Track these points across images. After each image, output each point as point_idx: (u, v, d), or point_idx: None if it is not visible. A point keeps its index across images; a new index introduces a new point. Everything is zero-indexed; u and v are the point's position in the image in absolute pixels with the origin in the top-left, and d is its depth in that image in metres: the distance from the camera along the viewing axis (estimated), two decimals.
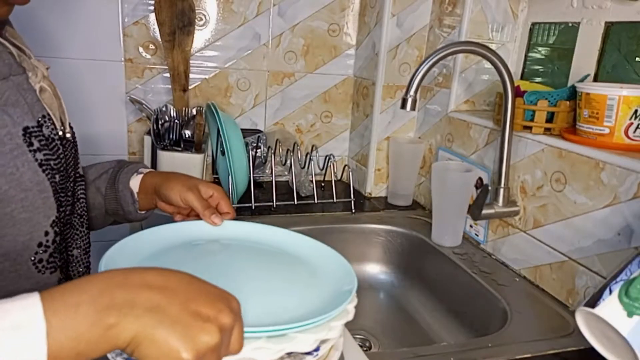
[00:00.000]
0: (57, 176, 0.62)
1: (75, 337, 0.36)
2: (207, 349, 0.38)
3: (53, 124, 0.63)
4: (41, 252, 0.60)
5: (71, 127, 0.69)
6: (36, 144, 0.59)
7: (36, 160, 0.59)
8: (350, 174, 1.24)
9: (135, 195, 0.76)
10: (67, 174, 0.66)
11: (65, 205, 0.65)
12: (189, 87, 1.24)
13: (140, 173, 0.78)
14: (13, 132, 0.56)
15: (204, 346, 0.38)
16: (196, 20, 1.22)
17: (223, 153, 1.09)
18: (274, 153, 1.23)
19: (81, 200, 0.71)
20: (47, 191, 0.60)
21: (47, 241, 0.61)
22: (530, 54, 1.12)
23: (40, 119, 0.61)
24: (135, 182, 0.77)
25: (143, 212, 0.79)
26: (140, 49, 1.23)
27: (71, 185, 0.68)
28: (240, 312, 0.44)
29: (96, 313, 0.36)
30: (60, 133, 0.65)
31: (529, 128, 0.91)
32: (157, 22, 1.17)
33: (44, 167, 0.60)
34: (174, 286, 0.41)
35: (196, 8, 1.21)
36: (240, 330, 0.43)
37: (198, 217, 0.72)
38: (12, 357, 0.33)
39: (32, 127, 0.59)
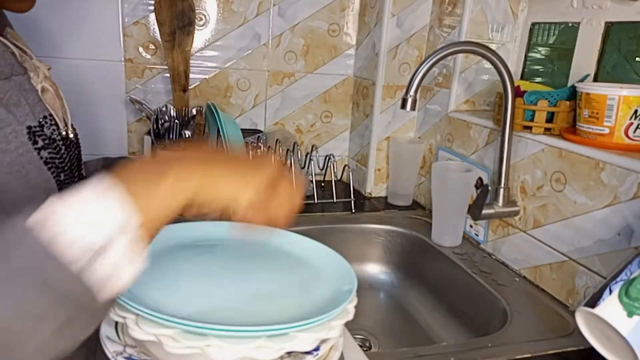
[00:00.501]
0: (62, 175, 0.62)
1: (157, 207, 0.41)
2: (263, 180, 0.44)
3: (55, 124, 0.63)
4: None
5: (74, 128, 0.69)
6: (40, 143, 0.59)
7: (41, 158, 0.58)
8: (350, 174, 1.24)
9: None
10: (72, 174, 0.66)
11: None
12: (189, 87, 1.24)
13: None
14: (18, 130, 0.56)
15: (261, 179, 0.44)
16: (196, 20, 1.22)
17: None
18: (274, 153, 1.23)
19: None
20: (53, 190, 0.59)
21: None
22: (530, 54, 1.12)
23: (41, 120, 0.60)
24: None
25: None
26: (140, 49, 1.23)
27: (75, 185, 0.67)
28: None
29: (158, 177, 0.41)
30: (63, 133, 0.65)
31: (529, 128, 0.91)
32: (157, 22, 1.17)
33: (50, 166, 0.59)
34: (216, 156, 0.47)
35: (196, 8, 1.21)
36: (290, 184, 0.48)
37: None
38: (104, 216, 0.38)
39: (35, 127, 0.59)
